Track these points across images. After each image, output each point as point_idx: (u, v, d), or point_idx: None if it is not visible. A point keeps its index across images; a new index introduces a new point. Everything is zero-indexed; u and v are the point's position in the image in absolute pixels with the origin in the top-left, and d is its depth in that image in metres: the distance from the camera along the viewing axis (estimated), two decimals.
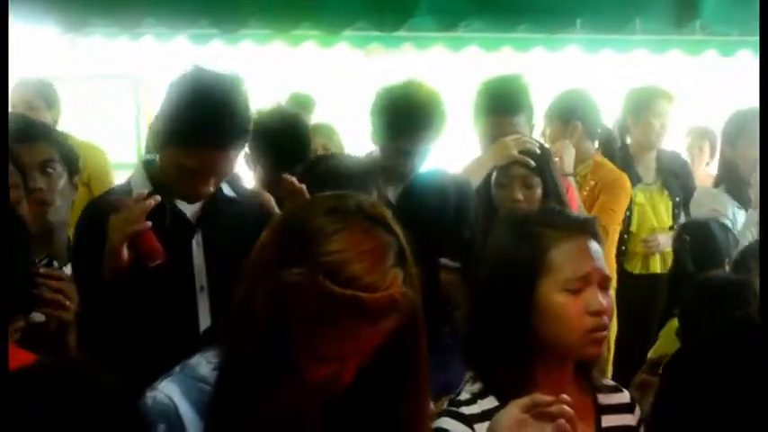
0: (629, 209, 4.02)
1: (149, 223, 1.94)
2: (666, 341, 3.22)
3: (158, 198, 1.98)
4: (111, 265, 1.91)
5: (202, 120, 2.01)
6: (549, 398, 1.44)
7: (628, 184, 3.83)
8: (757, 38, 2.02)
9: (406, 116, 2.97)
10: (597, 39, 4.73)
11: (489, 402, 1.69)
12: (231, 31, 4.10)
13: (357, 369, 1.32)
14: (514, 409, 1.44)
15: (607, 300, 1.74)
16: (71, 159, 2.35)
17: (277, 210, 2.14)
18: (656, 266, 4.20)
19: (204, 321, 2.10)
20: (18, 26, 4.68)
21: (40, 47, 6.41)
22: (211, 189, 2.11)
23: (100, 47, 6.22)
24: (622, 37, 4.55)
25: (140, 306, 1.99)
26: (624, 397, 1.90)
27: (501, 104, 3.11)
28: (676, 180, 4.28)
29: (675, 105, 4.24)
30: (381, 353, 1.31)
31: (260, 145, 2.76)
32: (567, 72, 5.58)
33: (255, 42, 5.20)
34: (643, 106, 4.19)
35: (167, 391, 1.37)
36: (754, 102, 2.17)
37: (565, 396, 1.48)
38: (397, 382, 1.36)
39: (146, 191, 2.06)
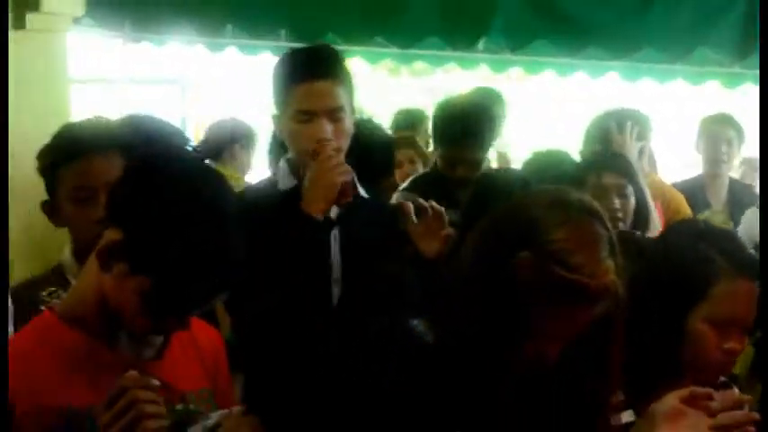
0: None
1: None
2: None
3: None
4: (324, 198, 2.15)
5: None
6: (706, 390, 1.50)
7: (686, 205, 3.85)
8: None
9: (459, 125, 3.05)
10: (670, 69, 4.90)
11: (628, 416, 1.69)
12: (306, 43, 4.25)
13: (559, 351, 1.45)
14: (673, 400, 1.49)
15: (743, 344, 1.75)
16: None
17: (414, 219, 2.25)
18: None
19: None
20: (87, 31, 4.86)
21: (93, 51, 6.56)
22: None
23: (149, 52, 6.33)
24: (693, 68, 4.73)
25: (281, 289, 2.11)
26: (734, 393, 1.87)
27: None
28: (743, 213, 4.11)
29: (743, 135, 4.32)
30: (583, 337, 1.45)
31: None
32: (642, 98, 5.65)
33: None
34: (712, 134, 4.31)
35: None
36: None
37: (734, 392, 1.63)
38: (594, 365, 1.48)
39: (295, 183, 2.25)
